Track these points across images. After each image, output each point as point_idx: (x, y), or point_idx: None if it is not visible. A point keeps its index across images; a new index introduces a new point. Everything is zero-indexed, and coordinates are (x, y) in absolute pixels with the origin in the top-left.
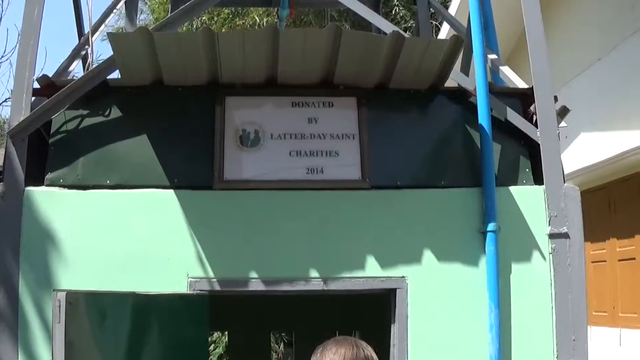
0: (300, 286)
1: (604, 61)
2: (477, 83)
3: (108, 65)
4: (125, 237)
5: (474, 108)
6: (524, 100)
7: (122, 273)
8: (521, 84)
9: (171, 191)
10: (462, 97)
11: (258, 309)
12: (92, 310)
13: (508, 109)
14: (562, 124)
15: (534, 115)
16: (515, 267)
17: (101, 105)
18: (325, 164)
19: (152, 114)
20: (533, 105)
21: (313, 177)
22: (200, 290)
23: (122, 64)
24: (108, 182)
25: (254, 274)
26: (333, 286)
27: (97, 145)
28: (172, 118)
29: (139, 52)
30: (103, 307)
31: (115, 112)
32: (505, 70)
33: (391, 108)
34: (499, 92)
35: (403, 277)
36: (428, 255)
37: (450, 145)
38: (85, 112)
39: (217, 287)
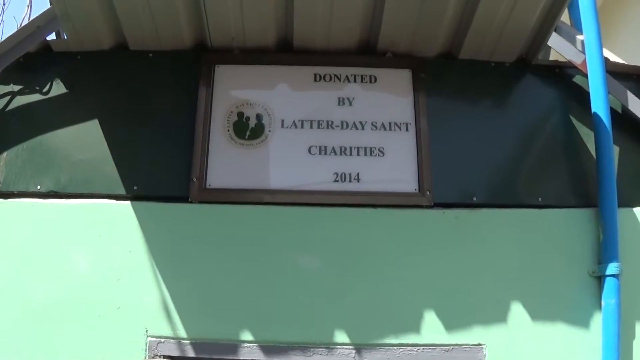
0: (320, 356)
1: None
2: (587, 54)
3: (50, 20)
4: (57, 269)
5: (580, 92)
6: None
7: (44, 326)
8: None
9: (127, 203)
10: (563, 75)
11: None
12: None
13: (630, 94)
14: None
15: None
16: None
17: (39, 78)
18: (364, 167)
19: (109, 91)
20: None
21: (345, 186)
22: (165, 357)
23: (66, 17)
24: (39, 187)
25: (247, 335)
26: (370, 358)
27: (28, 134)
28: (136, 97)
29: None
30: None
31: (58, 88)
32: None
33: (462, 88)
34: (612, 71)
35: (479, 345)
36: (516, 311)
37: (549, 144)
38: (16, 87)
39: (191, 353)
